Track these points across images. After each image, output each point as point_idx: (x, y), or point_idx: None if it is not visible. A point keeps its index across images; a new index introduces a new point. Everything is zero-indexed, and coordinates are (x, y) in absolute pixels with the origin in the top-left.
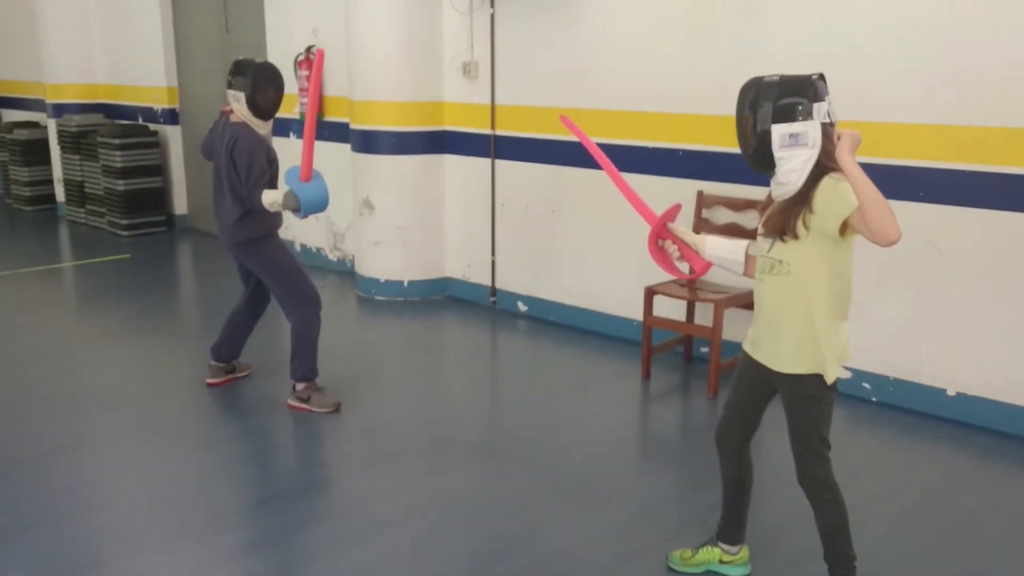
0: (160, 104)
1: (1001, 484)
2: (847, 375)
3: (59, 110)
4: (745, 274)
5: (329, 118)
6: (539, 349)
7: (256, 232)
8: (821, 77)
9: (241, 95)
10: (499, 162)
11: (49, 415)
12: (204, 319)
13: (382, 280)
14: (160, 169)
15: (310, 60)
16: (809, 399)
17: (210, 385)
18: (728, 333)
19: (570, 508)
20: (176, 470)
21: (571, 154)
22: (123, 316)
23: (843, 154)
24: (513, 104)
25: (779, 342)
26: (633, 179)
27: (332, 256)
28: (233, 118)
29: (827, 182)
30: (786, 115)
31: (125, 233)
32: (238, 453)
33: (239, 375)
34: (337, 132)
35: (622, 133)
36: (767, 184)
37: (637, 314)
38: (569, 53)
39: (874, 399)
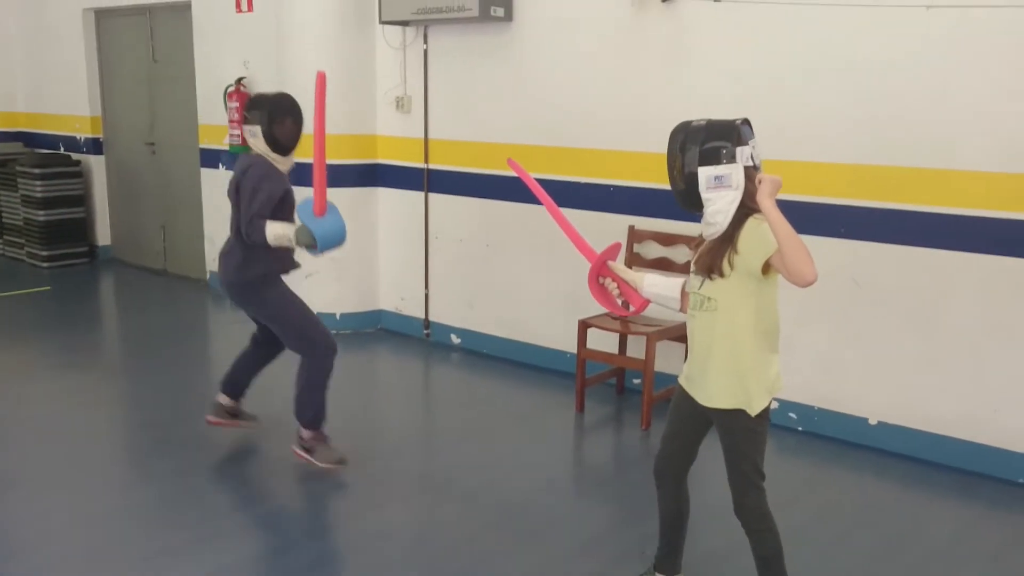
0: (84, 133)
1: (921, 511)
2: (775, 405)
3: None
4: (681, 310)
5: None
6: (473, 382)
7: (255, 274)
8: (746, 122)
9: (258, 129)
10: (432, 195)
11: None
12: (127, 353)
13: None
14: (83, 199)
15: (240, 91)
16: (741, 432)
17: (209, 423)
18: (660, 365)
19: (510, 542)
20: (104, 509)
21: (504, 188)
22: (42, 351)
23: (763, 197)
24: (446, 138)
25: (707, 377)
26: (566, 214)
27: None
28: (252, 152)
29: (751, 223)
30: (711, 158)
31: (45, 265)
32: (170, 490)
33: (242, 423)
34: None
35: (554, 169)
36: (695, 219)
37: (571, 347)
38: (501, 89)
39: (800, 428)
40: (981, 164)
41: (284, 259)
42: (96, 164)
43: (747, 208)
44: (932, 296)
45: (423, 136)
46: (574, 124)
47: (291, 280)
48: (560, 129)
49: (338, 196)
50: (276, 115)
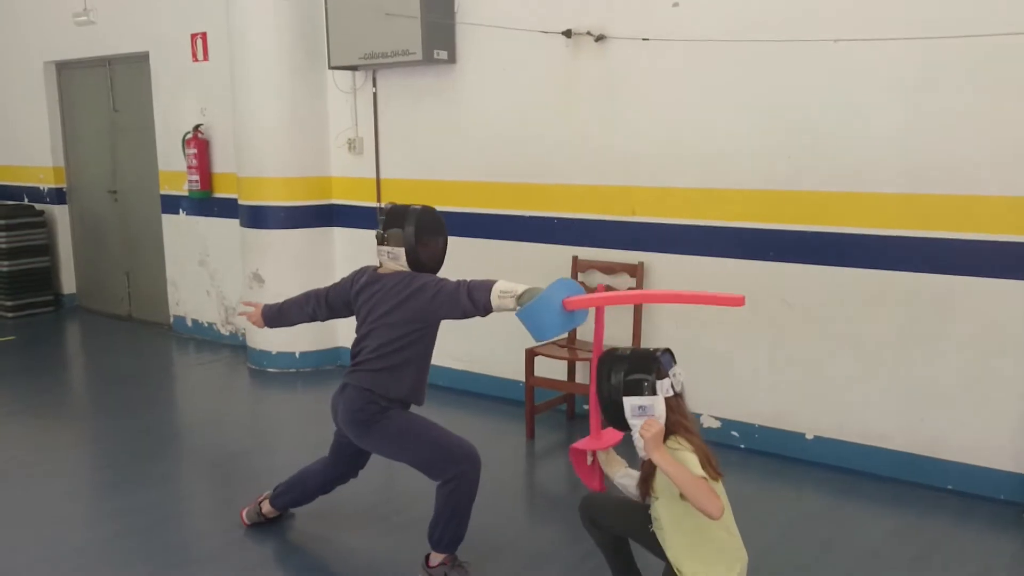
0: (47, 184)
1: (852, 519)
2: (717, 424)
3: None
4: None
5: (218, 194)
6: (428, 412)
7: (381, 407)
8: (667, 351)
9: (400, 251)
10: None
11: None
12: (91, 397)
13: (274, 352)
14: (47, 249)
15: (197, 138)
16: None
17: (244, 524)
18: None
19: (492, 566)
20: (66, 547)
21: (454, 224)
22: (6, 398)
23: (650, 450)
24: (397, 177)
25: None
26: (513, 246)
27: (224, 330)
28: (383, 271)
29: (672, 444)
30: (634, 389)
31: (10, 315)
32: (126, 527)
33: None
34: (226, 208)
35: (500, 204)
36: (636, 248)
37: (520, 375)
38: (448, 129)
39: (742, 446)
40: (892, 187)
41: (405, 406)
42: (60, 213)
43: (669, 431)
44: (856, 313)
45: (375, 176)
46: (517, 159)
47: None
48: (504, 165)
49: (294, 237)
50: (423, 234)
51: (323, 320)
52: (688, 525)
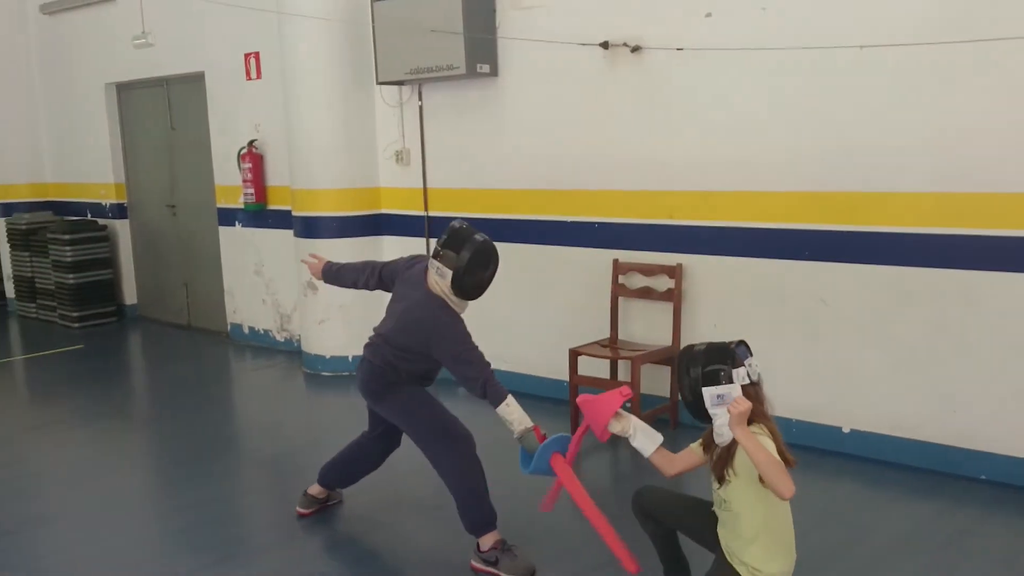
0: (108, 199)
1: (885, 507)
2: None
3: (8, 209)
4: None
5: (272, 206)
6: (476, 412)
7: (393, 381)
8: (742, 343)
9: (448, 272)
10: (433, 241)
11: (5, 496)
12: (153, 402)
13: (327, 356)
14: (110, 262)
15: (252, 153)
16: None
17: (300, 515)
18: (647, 387)
19: (531, 555)
20: (130, 540)
21: (497, 230)
22: (75, 404)
23: (733, 427)
24: (443, 187)
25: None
26: (556, 251)
27: (279, 337)
28: (428, 287)
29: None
30: (712, 379)
31: (76, 325)
32: (193, 520)
33: (329, 503)
34: (280, 220)
35: (542, 210)
36: (674, 250)
37: (564, 375)
38: (491, 140)
39: None
40: (920, 186)
41: (427, 379)
42: (121, 228)
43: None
44: (888, 309)
45: (422, 186)
46: (558, 167)
47: (305, 324)
48: (545, 172)
49: (345, 246)
50: (474, 266)
51: (371, 290)
52: (760, 512)
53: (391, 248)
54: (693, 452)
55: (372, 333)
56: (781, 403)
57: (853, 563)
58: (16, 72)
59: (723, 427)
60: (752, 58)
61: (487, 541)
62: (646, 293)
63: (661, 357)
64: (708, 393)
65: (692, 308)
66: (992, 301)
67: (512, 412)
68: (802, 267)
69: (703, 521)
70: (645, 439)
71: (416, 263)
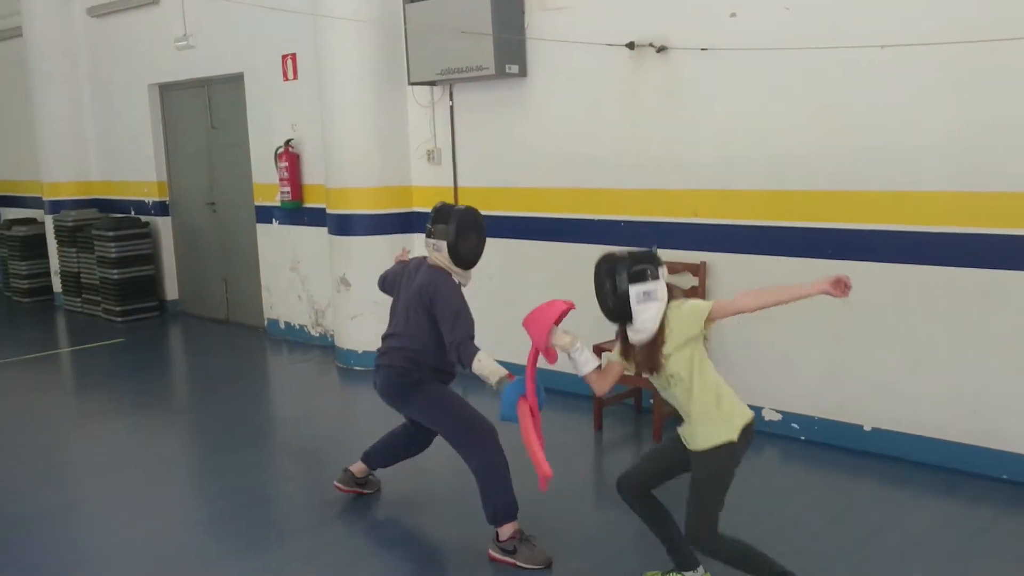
0: (151, 197)
1: (905, 505)
2: (778, 417)
3: (56, 207)
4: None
5: (308, 204)
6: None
7: (415, 380)
8: (656, 249)
9: (443, 244)
10: None
11: (48, 482)
12: (193, 394)
13: (360, 351)
14: (152, 258)
15: (289, 152)
16: (713, 470)
17: (337, 488)
18: None
19: (548, 546)
20: (170, 523)
21: (526, 229)
22: (118, 394)
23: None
24: (473, 185)
25: (691, 427)
26: (581, 248)
27: (314, 332)
28: (431, 263)
29: (671, 313)
30: (638, 278)
31: (120, 319)
32: (231, 506)
33: (366, 491)
34: (315, 217)
35: (568, 208)
36: (696, 248)
37: None
38: (519, 139)
39: (802, 437)
40: (941, 185)
41: (446, 374)
42: (163, 225)
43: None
44: (910, 308)
45: (453, 185)
46: (584, 166)
47: (339, 319)
48: (572, 171)
49: (378, 243)
50: (463, 230)
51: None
52: (708, 366)
53: (423, 245)
54: (616, 363)
55: (380, 344)
56: (803, 401)
57: (867, 559)
58: (64, 73)
59: (647, 322)
60: (776, 58)
61: (506, 531)
62: (669, 291)
63: None
64: (635, 291)
65: None
66: (1015, 300)
67: (485, 366)
68: (825, 265)
69: (673, 450)
70: (589, 355)
71: (415, 261)
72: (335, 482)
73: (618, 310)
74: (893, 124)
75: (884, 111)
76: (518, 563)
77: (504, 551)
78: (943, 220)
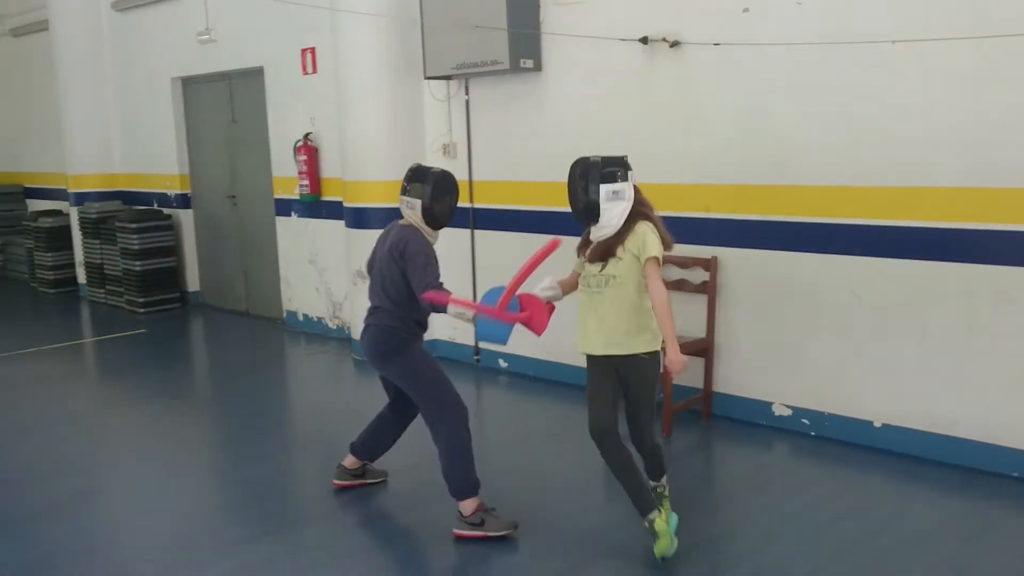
0: (173, 190)
1: (912, 502)
2: (788, 412)
3: (80, 198)
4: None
5: (326, 197)
6: (518, 401)
7: (401, 339)
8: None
9: (417, 203)
10: (478, 232)
11: (69, 469)
12: (212, 384)
13: None
14: (174, 250)
15: (307, 146)
16: (646, 373)
17: (336, 487)
18: (679, 379)
19: (550, 539)
20: (189, 509)
21: (541, 222)
22: (139, 384)
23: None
24: (488, 180)
25: (617, 333)
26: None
27: (332, 324)
28: (403, 222)
29: (642, 226)
30: (609, 178)
31: (142, 310)
32: (246, 494)
33: (369, 481)
34: (333, 210)
35: None
36: (709, 243)
37: None
38: (534, 133)
39: (812, 433)
40: (953, 181)
41: (422, 328)
42: (185, 217)
43: (636, 212)
44: (922, 304)
45: (468, 178)
46: None
47: (355, 312)
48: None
49: None
50: (438, 192)
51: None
52: (647, 303)
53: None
54: (575, 267)
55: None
56: (813, 396)
57: (873, 554)
58: (89, 67)
59: (612, 219)
60: (788, 53)
61: (468, 507)
62: (681, 285)
63: (695, 349)
64: (604, 189)
65: (726, 300)
66: None
67: (459, 308)
68: (835, 261)
69: (603, 375)
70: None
71: (388, 227)
72: (333, 480)
73: (588, 209)
74: (906, 120)
75: (896, 106)
76: (488, 533)
77: (472, 524)
78: (957, 216)
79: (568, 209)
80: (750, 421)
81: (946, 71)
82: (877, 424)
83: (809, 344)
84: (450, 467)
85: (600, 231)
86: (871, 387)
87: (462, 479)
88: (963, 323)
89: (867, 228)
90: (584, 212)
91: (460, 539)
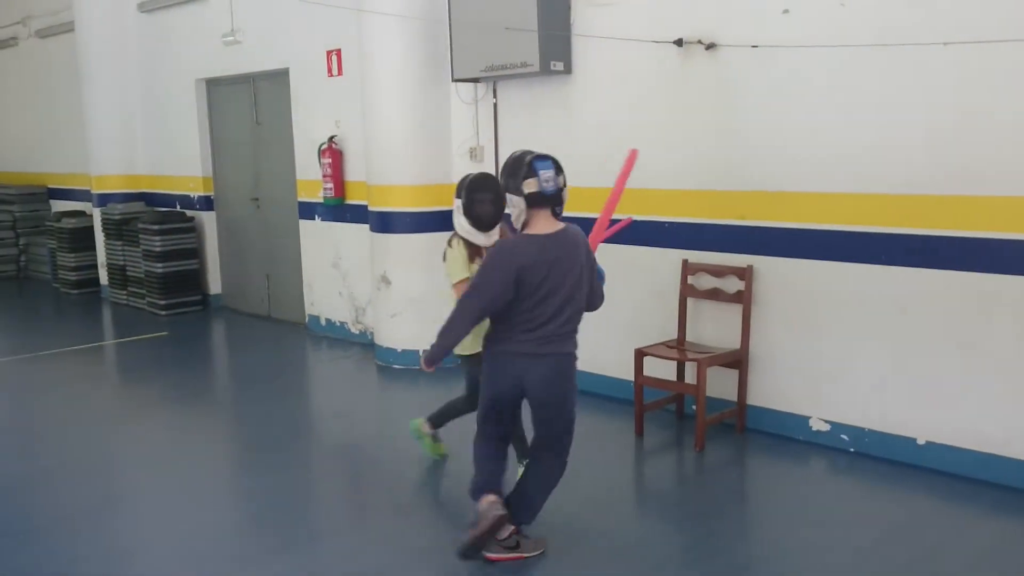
0: (196, 192)
1: (960, 525)
2: (827, 428)
3: (103, 200)
4: None
5: (350, 201)
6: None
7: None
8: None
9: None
10: None
11: (90, 474)
12: (234, 388)
13: (399, 350)
14: (196, 252)
15: (332, 149)
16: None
17: (489, 560)
18: (713, 390)
19: (583, 554)
20: (209, 519)
21: None
22: (160, 387)
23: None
24: None
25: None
26: (624, 250)
27: (355, 329)
28: (568, 226)
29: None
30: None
31: (163, 312)
32: (267, 505)
33: (526, 555)
34: (357, 214)
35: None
36: (743, 251)
37: (630, 375)
38: (563, 137)
39: (852, 449)
40: (1008, 189)
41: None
42: (207, 220)
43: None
44: (971, 317)
45: None
46: None
47: (378, 317)
48: (615, 170)
49: (418, 241)
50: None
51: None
52: None
53: None
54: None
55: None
56: (853, 412)
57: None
58: (114, 68)
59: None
60: (829, 55)
61: (488, 512)
62: (715, 294)
63: (729, 360)
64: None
65: (762, 311)
66: None
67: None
68: (879, 272)
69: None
70: None
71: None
72: (487, 555)
73: (494, 218)
74: (954, 125)
75: (947, 110)
76: (524, 554)
77: (507, 548)
78: (1009, 227)
79: (595, 216)
80: (786, 436)
81: (1002, 74)
82: (921, 441)
83: (849, 357)
84: (540, 497)
85: (491, 239)
86: (915, 403)
87: (538, 509)
88: (1015, 336)
89: (911, 237)
90: (490, 222)
91: (492, 562)
